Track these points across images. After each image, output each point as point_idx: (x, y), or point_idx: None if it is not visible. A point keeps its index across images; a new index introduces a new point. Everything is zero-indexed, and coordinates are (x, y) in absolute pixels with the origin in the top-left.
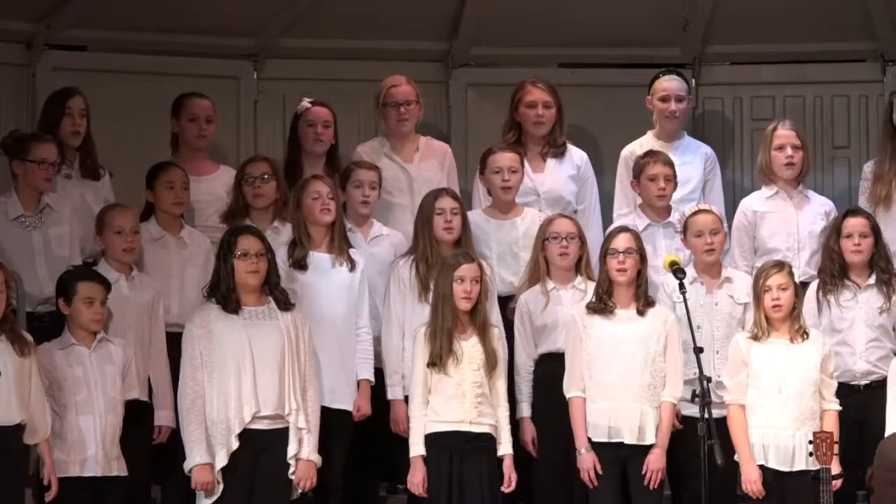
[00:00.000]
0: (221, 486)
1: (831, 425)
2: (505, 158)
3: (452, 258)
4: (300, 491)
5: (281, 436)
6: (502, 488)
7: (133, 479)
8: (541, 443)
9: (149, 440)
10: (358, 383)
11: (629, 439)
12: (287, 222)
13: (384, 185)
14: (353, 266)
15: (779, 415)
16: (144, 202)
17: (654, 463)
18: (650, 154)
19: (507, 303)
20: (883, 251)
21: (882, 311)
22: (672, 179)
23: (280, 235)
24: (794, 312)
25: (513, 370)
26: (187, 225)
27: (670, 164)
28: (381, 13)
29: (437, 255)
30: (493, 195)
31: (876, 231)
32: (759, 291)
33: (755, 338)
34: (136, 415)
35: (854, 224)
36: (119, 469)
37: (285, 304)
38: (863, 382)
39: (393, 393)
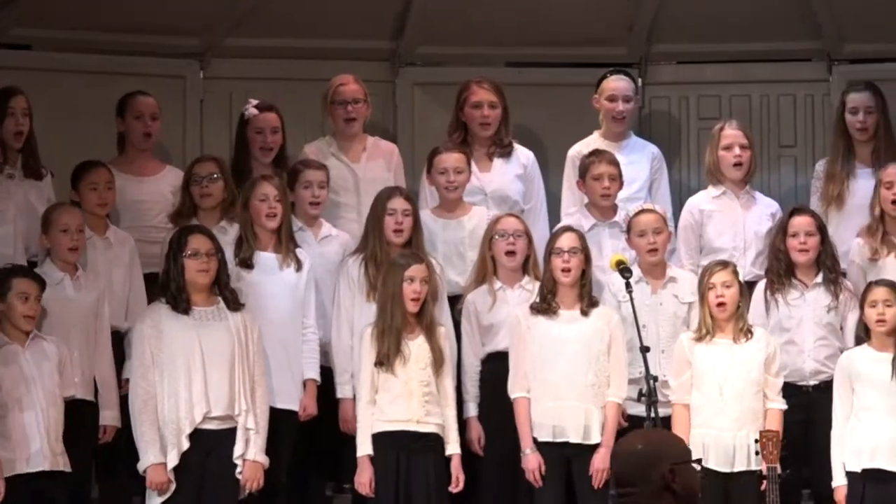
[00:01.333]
0: (174, 486)
1: (775, 424)
2: (451, 159)
3: (402, 258)
4: (247, 491)
5: (230, 436)
6: (450, 488)
7: (78, 478)
8: (487, 442)
9: (94, 440)
10: (304, 383)
11: (574, 438)
12: (234, 222)
13: (330, 184)
14: (299, 266)
15: (720, 416)
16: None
17: (600, 462)
18: (595, 153)
19: (453, 303)
20: (830, 250)
21: (830, 310)
22: (617, 179)
23: (227, 235)
24: (739, 311)
25: (459, 369)
26: (112, 225)
27: (615, 163)
28: (328, 12)
29: (387, 254)
30: (440, 195)
31: (822, 230)
32: (703, 290)
33: (699, 338)
34: (81, 414)
35: (800, 223)
36: (64, 465)
37: (235, 303)
38: (811, 383)
39: (342, 392)
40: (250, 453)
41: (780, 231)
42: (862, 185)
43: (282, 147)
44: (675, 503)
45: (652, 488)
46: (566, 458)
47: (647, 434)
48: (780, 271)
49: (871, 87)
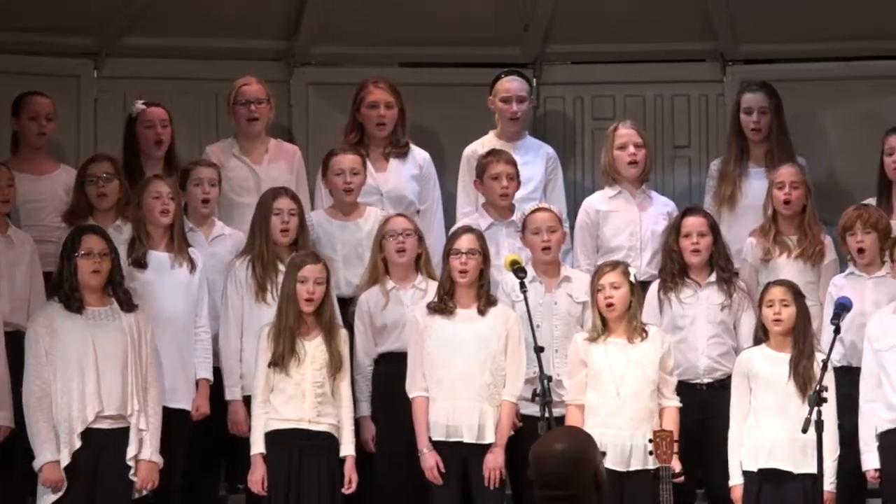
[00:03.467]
0: (66, 485)
1: (671, 422)
2: (346, 160)
3: (298, 258)
4: (143, 492)
5: (122, 436)
6: (343, 490)
7: None
8: (380, 442)
9: None
10: (197, 382)
11: (468, 438)
12: (129, 221)
13: (231, 185)
14: (192, 265)
15: (616, 415)
16: None
17: (492, 462)
18: (493, 153)
19: (351, 304)
20: (722, 250)
21: (723, 308)
22: (515, 178)
23: (122, 234)
24: (631, 311)
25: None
26: (12, 224)
27: (513, 162)
28: (223, 12)
29: (274, 255)
30: (335, 197)
31: (715, 230)
32: (593, 291)
33: (593, 339)
34: None
35: (692, 223)
36: None
37: (128, 304)
38: (705, 381)
39: (231, 394)
40: (145, 453)
41: (673, 231)
42: (755, 186)
43: (171, 147)
44: (601, 502)
45: (586, 489)
46: (462, 457)
47: (565, 434)
48: (674, 271)
49: (766, 88)
